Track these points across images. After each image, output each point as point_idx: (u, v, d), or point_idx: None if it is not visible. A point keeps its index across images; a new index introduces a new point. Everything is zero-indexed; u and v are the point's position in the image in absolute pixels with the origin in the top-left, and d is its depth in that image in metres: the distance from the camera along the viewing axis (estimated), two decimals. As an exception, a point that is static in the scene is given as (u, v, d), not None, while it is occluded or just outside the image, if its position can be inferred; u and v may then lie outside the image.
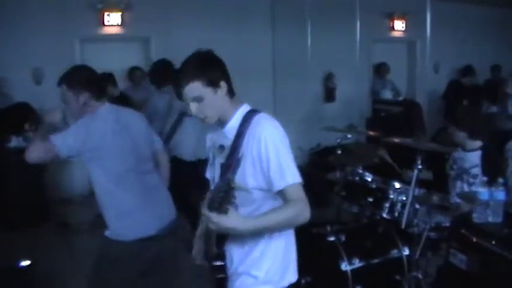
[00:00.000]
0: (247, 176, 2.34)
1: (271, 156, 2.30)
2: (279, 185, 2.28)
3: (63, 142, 3.19)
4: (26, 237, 5.93)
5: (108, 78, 6.66)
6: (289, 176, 2.29)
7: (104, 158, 3.27)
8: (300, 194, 2.29)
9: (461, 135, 4.43)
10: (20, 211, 6.54)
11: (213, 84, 2.34)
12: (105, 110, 3.40)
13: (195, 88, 2.32)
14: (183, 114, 5.31)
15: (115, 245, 3.35)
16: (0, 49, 7.31)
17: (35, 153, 3.20)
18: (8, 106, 6.95)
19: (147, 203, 3.39)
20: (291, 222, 2.30)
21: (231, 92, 2.45)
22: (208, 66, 2.36)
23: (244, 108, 2.48)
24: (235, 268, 2.52)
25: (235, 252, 2.51)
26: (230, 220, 2.09)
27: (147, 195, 3.41)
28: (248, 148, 2.34)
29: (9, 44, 7.35)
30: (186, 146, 5.47)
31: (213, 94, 2.35)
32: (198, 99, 2.34)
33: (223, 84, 2.38)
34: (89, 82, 3.38)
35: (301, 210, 2.25)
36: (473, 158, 4.38)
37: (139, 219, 3.35)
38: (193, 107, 2.37)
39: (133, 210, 3.33)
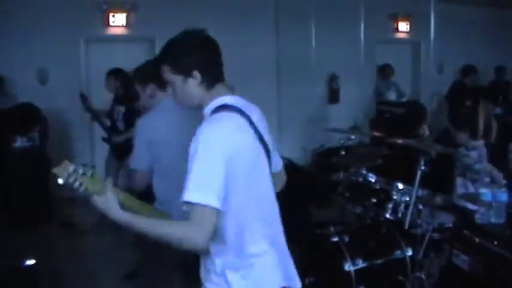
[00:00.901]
0: None
1: (191, 161, 2.04)
2: (182, 195, 2.00)
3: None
4: (30, 237, 5.95)
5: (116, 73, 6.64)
6: (189, 191, 1.99)
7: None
8: (197, 216, 1.98)
9: (462, 136, 4.45)
10: (25, 211, 6.56)
11: (183, 72, 2.21)
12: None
13: (165, 72, 2.25)
14: None
15: None
16: (5, 49, 7.35)
17: (137, 184, 3.29)
18: (13, 106, 6.98)
19: None
20: (173, 241, 2.01)
21: (208, 82, 2.24)
22: (181, 54, 2.22)
23: (218, 102, 2.24)
24: None
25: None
26: (103, 201, 2.02)
27: None
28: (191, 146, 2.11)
29: (14, 44, 7.39)
30: None
31: (182, 82, 2.22)
32: (170, 84, 2.27)
33: (196, 74, 2.20)
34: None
35: (188, 236, 1.98)
36: (475, 155, 4.41)
37: None
38: (169, 89, 2.34)
39: None
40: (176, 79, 2.23)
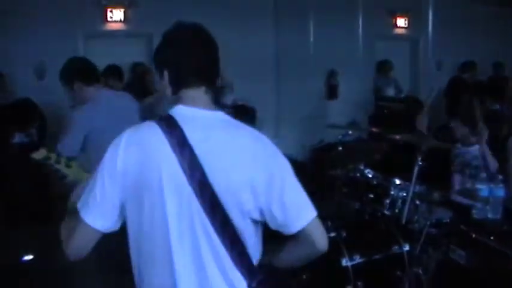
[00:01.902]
0: None
1: None
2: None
3: None
4: (30, 234, 5.95)
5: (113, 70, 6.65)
6: (80, 201, 1.86)
7: None
8: (75, 224, 1.86)
9: (464, 130, 4.45)
10: (24, 207, 6.56)
11: (157, 68, 1.99)
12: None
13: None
14: None
15: None
16: (3, 45, 7.34)
17: None
18: (11, 102, 6.97)
19: None
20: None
21: (174, 86, 1.95)
22: (160, 48, 1.99)
23: (170, 111, 1.94)
24: None
25: None
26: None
27: None
28: None
29: (12, 40, 7.38)
30: None
31: (159, 79, 2.00)
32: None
33: (165, 73, 1.94)
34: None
35: (63, 240, 1.89)
36: (474, 152, 4.42)
37: None
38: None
39: None
40: (156, 76, 2.03)
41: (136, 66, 8.14)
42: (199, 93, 1.96)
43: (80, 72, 3.85)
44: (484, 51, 10.90)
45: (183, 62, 1.93)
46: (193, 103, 1.93)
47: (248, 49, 8.72)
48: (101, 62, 6.84)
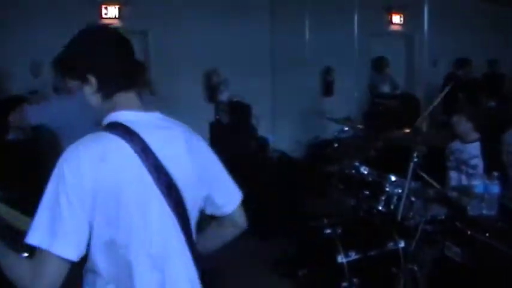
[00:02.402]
0: None
1: (45, 191, 1.70)
2: (26, 238, 1.65)
3: None
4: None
5: None
6: (32, 233, 1.62)
7: None
8: (40, 264, 1.62)
9: (467, 126, 4.46)
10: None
11: (77, 77, 1.81)
12: None
13: (65, 77, 1.90)
14: None
15: None
16: (-2, 42, 7.32)
17: None
18: (5, 98, 6.94)
19: None
20: (17, 282, 1.66)
21: (105, 91, 1.81)
22: (75, 53, 1.84)
23: (112, 117, 1.81)
24: None
25: None
26: None
27: None
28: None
29: (6, 37, 7.35)
30: None
31: (79, 88, 1.83)
32: (71, 90, 1.89)
33: (91, 78, 1.78)
34: None
35: (26, 281, 1.63)
36: (472, 149, 4.43)
37: None
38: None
39: None
40: (73, 84, 1.84)
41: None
42: (132, 95, 1.86)
43: None
44: (479, 47, 10.92)
45: (113, 65, 1.82)
46: (130, 107, 1.84)
47: (243, 46, 8.72)
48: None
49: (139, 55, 8.66)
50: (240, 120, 7.30)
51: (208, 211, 1.99)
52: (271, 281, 5.09)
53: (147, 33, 8.29)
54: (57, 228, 1.60)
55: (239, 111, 7.41)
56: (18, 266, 1.67)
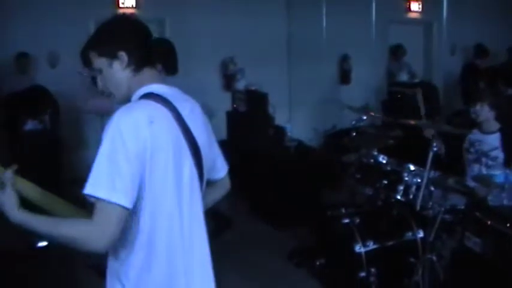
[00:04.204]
0: None
1: (99, 151, 1.82)
2: (85, 189, 1.78)
3: None
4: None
5: None
6: (92, 185, 1.77)
7: None
8: (100, 215, 1.76)
9: (489, 115, 4.40)
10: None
11: (108, 54, 1.99)
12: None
13: (91, 58, 2.04)
14: None
15: None
16: (16, 31, 7.35)
17: None
18: (24, 88, 6.99)
19: None
20: (75, 243, 1.78)
21: (136, 65, 2.01)
22: (105, 33, 2.05)
23: (145, 90, 2.01)
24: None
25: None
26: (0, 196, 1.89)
27: None
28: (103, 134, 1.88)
29: (24, 27, 7.38)
30: None
31: (107, 65, 2.00)
32: (97, 71, 2.03)
33: (122, 54, 1.98)
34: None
35: (88, 237, 1.77)
36: (492, 141, 4.37)
37: None
38: (98, 80, 2.07)
39: None
40: (102, 63, 2.00)
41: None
42: (155, 72, 2.10)
43: None
44: (498, 35, 10.78)
45: (140, 42, 2.05)
46: (157, 81, 2.05)
47: (260, 34, 8.69)
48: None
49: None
50: (256, 109, 7.29)
51: (207, 176, 2.15)
52: (288, 270, 5.09)
53: (164, 21, 8.28)
54: (116, 181, 1.75)
55: (256, 100, 7.40)
56: (70, 226, 1.83)
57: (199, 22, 8.20)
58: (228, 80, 8.60)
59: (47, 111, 6.94)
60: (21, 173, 2.09)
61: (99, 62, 2.01)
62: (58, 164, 7.03)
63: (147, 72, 2.04)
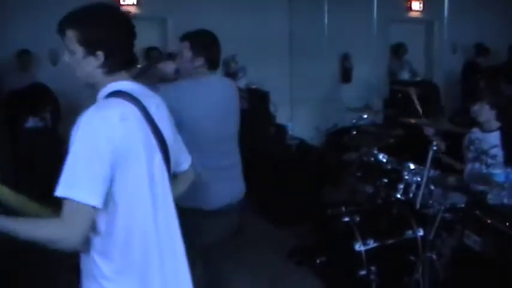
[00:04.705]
0: None
1: (69, 151, 1.83)
2: (56, 191, 1.78)
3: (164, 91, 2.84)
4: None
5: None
6: (63, 186, 1.77)
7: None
8: (69, 215, 1.76)
9: (490, 114, 4.40)
10: (36, 192, 6.58)
11: (85, 46, 1.94)
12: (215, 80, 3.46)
13: (67, 36, 1.97)
14: None
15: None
16: (17, 29, 7.35)
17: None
18: (25, 86, 6.99)
19: None
20: (47, 243, 1.79)
21: (110, 69, 1.98)
22: (90, 24, 1.96)
23: (113, 87, 2.00)
24: None
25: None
26: None
27: None
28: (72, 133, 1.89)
29: (24, 25, 7.38)
30: None
31: (81, 56, 1.95)
32: (70, 51, 1.97)
33: (99, 55, 1.93)
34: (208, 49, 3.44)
35: (58, 236, 1.78)
36: (492, 139, 4.37)
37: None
38: (66, 56, 2.00)
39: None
40: (77, 49, 1.94)
41: (150, 51, 8.12)
42: (127, 75, 2.09)
43: None
44: (499, 34, 10.77)
45: (124, 45, 2.02)
46: (124, 78, 2.05)
47: (261, 32, 8.68)
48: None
49: (158, 41, 8.71)
50: (258, 107, 7.29)
51: (173, 169, 2.21)
52: (289, 268, 5.09)
53: (166, 19, 8.27)
54: (86, 181, 1.78)
55: (257, 99, 7.40)
56: (43, 227, 1.82)
57: (201, 20, 8.14)
58: (230, 78, 8.60)
59: (48, 108, 6.94)
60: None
61: (75, 46, 1.95)
62: (58, 161, 7.02)
63: (122, 75, 2.04)
